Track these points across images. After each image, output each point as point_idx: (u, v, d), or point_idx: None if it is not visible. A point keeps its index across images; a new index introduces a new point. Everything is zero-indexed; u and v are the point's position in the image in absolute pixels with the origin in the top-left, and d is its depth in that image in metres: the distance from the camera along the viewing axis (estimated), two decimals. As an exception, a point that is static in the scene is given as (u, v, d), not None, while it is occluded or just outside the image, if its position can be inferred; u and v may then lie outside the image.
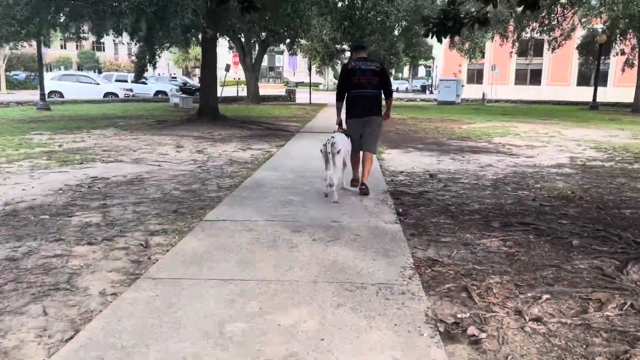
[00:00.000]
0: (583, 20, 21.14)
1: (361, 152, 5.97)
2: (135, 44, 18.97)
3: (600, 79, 44.45)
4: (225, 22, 14.31)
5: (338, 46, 28.08)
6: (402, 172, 7.63)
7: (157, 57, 18.97)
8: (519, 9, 19.18)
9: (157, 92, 28.37)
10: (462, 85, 29.36)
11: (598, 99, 37.53)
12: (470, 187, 6.45)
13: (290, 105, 26.17)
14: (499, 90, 39.09)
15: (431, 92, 60.48)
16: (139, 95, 27.09)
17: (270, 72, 68.12)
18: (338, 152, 5.30)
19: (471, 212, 5.14)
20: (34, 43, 18.02)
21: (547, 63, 45.74)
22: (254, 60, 25.11)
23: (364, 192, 5.75)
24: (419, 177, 7.18)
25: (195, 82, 55.42)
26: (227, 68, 27.59)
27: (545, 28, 27.06)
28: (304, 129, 14.05)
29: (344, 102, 5.98)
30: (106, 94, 25.78)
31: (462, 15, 4.76)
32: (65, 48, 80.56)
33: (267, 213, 4.92)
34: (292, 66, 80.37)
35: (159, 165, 7.69)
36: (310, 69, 28.24)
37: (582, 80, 44.77)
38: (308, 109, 22.56)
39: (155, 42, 18.04)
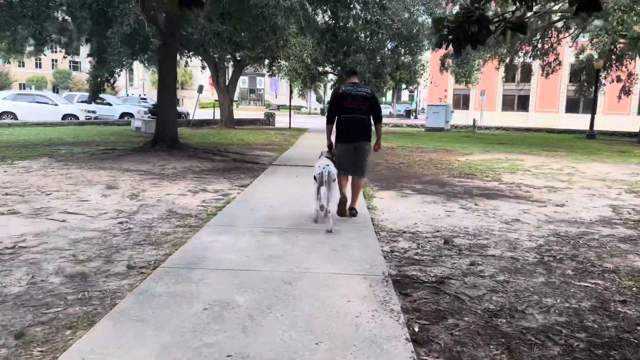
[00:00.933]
0: (595, 40, 19.46)
1: (350, 178, 6.12)
2: (92, 61, 16.86)
3: (587, 106, 43.52)
4: (180, 31, 12.23)
5: (320, 68, 26.27)
6: (404, 232, 5.53)
7: (116, 75, 16.89)
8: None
9: (124, 114, 26.10)
10: (452, 111, 27.69)
11: (586, 127, 36.51)
12: (511, 269, 4.35)
13: (267, 130, 24.11)
14: (485, 117, 37.65)
15: (415, 117, 59.18)
16: (103, 117, 24.79)
17: (251, 95, 66.27)
18: (334, 180, 5.40)
19: (537, 334, 3.04)
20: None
21: (535, 89, 44.70)
22: (227, 80, 23.06)
23: (353, 214, 6.03)
24: (429, 243, 5.08)
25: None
26: (200, 89, 25.54)
27: (538, 52, 25.68)
28: (279, 160, 11.94)
29: (334, 125, 6.06)
30: (65, 116, 23.42)
31: (490, 18, 3.01)
32: (40, 67, 77.97)
33: (175, 350, 2.73)
34: (274, 89, 78.77)
35: (64, 221, 5.47)
36: (291, 91, 26.28)
37: (571, 108, 43.73)
38: (287, 135, 20.51)
39: (108, 58, 16.00)
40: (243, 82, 65.41)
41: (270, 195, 7.26)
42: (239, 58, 22.16)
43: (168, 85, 12.10)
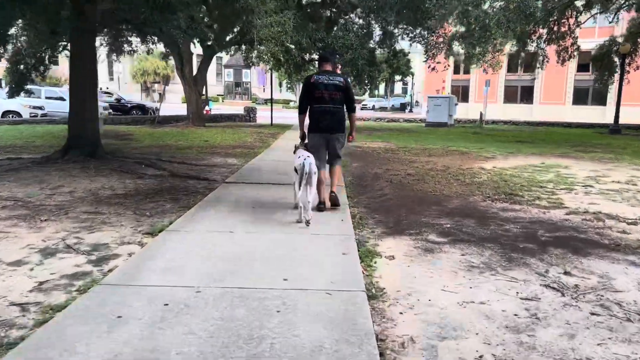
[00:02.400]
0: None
1: (327, 167, 5.87)
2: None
3: (596, 97, 40.49)
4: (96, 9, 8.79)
5: (307, 55, 22.85)
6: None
7: (46, 64, 13.49)
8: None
9: (79, 110, 22.54)
10: (456, 104, 24.38)
11: (595, 120, 33.33)
12: None
13: (245, 127, 20.70)
14: (487, 110, 34.45)
15: (411, 111, 55.87)
16: (53, 114, 21.27)
17: (237, 88, 62.57)
18: (315, 174, 5.16)
19: None
20: None
21: (540, 79, 41.48)
22: (195, 71, 19.58)
23: (333, 197, 5.83)
24: None
25: (152, 99, 49.96)
26: (167, 81, 22.07)
27: (553, 36, 22.38)
28: (239, 173, 8.58)
29: (306, 115, 5.77)
30: (5, 113, 19.93)
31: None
32: (16, 61, 73.66)
33: None
34: (261, 81, 75.02)
35: None
36: (271, 82, 22.78)
37: (579, 99, 40.59)
38: (265, 134, 17.14)
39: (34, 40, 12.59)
40: (228, 75, 61.73)
41: (187, 263, 3.89)
42: (208, 44, 18.72)
43: (84, 72, 8.66)
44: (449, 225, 5.37)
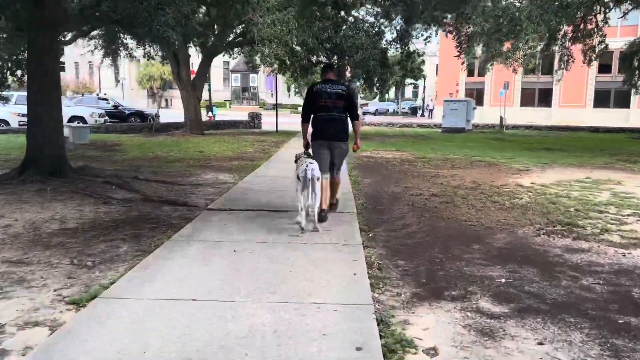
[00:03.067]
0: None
1: (329, 176, 5.74)
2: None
3: (619, 99, 38.59)
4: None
5: (314, 57, 21.44)
6: None
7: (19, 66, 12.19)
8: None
9: (73, 118, 21.24)
10: (474, 108, 22.79)
11: (618, 124, 31.37)
12: None
13: (247, 135, 19.30)
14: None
15: (422, 115, 54.25)
16: (45, 122, 19.97)
17: (244, 93, 61.29)
18: (318, 179, 4.97)
19: None
20: None
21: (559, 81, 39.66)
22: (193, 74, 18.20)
23: (333, 205, 5.89)
24: None
25: (158, 105, 48.86)
26: (165, 86, 20.73)
27: (579, 34, 20.75)
28: (228, 195, 7.11)
29: (310, 124, 5.77)
30: (-8, 121, 18.72)
31: None
32: None
33: None
34: (269, 86, 73.79)
35: None
36: (276, 86, 21.34)
37: (600, 101, 38.75)
38: (268, 142, 15.71)
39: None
40: (235, 80, 60.48)
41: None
42: (207, 44, 17.36)
43: (44, 75, 7.25)
44: (503, 280, 3.85)
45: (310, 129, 5.76)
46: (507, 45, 13.78)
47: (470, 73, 45.18)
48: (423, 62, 41.68)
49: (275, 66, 18.04)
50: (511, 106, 39.95)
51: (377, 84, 22.07)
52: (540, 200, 6.98)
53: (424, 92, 58.81)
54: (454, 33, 16.32)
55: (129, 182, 7.31)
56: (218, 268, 3.92)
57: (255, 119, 25.00)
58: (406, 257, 4.41)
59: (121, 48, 18.22)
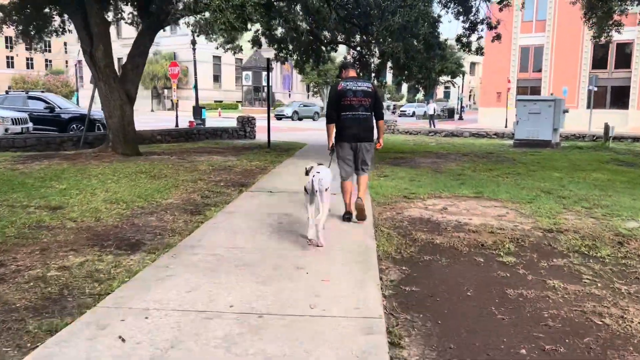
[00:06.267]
0: None
1: (355, 177, 5.58)
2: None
3: None
4: None
5: (325, 33, 14.45)
6: None
7: None
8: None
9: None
10: (565, 111, 15.40)
11: None
12: None
13: (217, 152, 12.39)
14: (566, 117, 25.09)
15: (461, 118, 46.65)
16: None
17: (257, 94, 54.41)
18: (326, 190, 4.66)
19: None
20: None
21: (637, 76, 31.82)
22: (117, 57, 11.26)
23: (361, 211, 5.38)
24: None
25: (163, 106, 42.57)
26: (91, 79, 13.91)
27: None
28: None
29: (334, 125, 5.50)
30: None
31: None
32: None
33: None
34: (286, 86, 66.83)
35: None
36: (268, 82, 14.36)
37: (697, 102, 30.63)
38: (235, 172, 8.78)
39: None
40: (246, 79, 53.55)
41: None
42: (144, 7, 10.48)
43: None
44: None
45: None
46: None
47: (523, 68, 37.54)
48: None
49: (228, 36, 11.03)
50: (576, 108, 32.02)
51: (419, 75, 14.92)
52: None
53: (462, 91, 51.13)
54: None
55: None
56: None
57: (246, 125, 18.07)
58: None
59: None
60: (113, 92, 10.32)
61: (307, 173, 4.91)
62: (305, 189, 4.76)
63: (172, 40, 55.70)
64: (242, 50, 14.38)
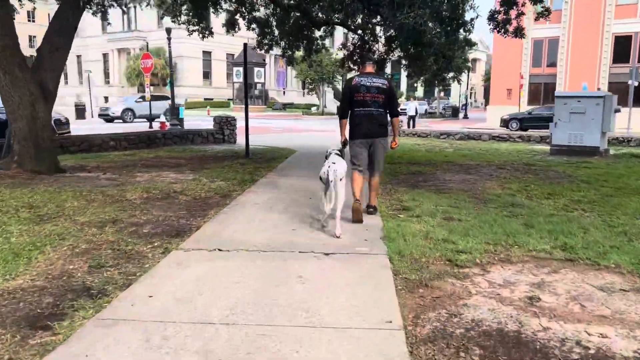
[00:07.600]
0: None
1: (369, 176, 5.56)
2: None
3: None
4: None
5: (317, 14, 11.49)
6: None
7: None
8: None
9: None
10: (617, 110, 12.48)
11: None
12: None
13: (178, 165, 9.44)
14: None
15: (466, 117, 43.71)
16: None
17: (250, 91, 51.30)
18: (341, 180, 4.74)
19: None
20: None
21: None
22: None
23: (371, 212, 5.49)
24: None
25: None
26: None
27: None
28: None
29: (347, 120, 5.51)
30: None
31: None
32: None
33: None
34: (280, 83, 63.70)
35: None
36: (245, 77, 11.36)
37: None
38: (199, 194, 5.79)
39: None
40: (237, 75, 50.36)
41: None
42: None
43: None
44: None
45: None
46: None
47: (536, 62, 34.60)
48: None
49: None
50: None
51: (436, 67, 12.06)
52: None
53: (467, 88, 48.19)
54: None
55: None
56: None
57: (225, 127, 15.07)
58: None
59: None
60: (18, 84, 7.30)
61: (326, 158, 5.01)
62: (321, 178, 4.86)
63: (161, 34, 52.50)
64: (212, 34, 11.39)
